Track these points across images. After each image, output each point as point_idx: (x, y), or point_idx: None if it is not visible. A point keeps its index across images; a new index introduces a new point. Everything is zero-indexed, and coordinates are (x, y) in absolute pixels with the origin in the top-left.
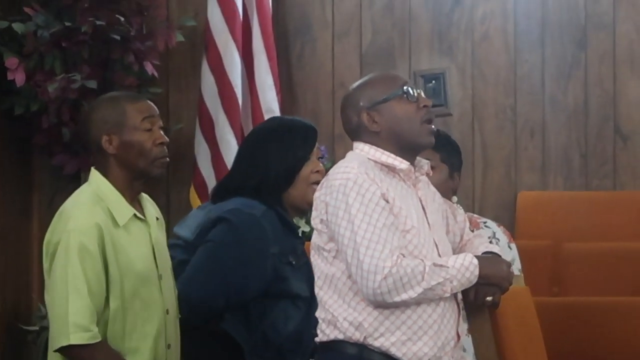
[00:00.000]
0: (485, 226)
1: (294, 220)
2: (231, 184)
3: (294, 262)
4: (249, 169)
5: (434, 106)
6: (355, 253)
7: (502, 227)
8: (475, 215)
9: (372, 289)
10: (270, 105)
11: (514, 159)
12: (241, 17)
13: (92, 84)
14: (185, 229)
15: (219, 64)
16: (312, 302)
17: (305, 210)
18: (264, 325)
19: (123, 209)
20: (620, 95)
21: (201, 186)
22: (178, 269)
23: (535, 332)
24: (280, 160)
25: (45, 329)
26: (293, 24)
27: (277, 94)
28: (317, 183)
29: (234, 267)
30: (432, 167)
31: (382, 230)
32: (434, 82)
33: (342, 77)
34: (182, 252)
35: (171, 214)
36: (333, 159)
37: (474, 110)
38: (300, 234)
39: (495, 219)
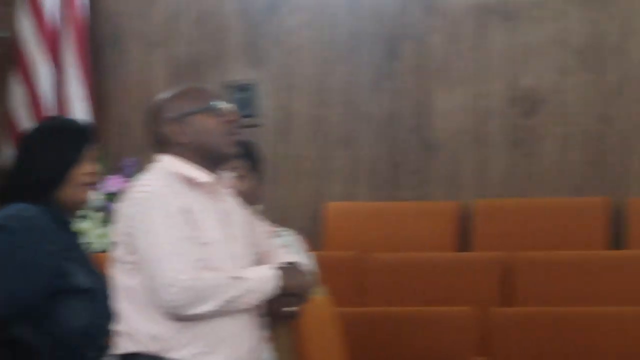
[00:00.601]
0: (282, 236)
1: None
2: (7, 189)
3: (73, 257)
4: (20, 173)
5: (244, 117)
6: (153, 265)
7: (299, 236)
8: (272, 225)
9: (168, 302)
10: (81, 116)
11: (323, 169)
12: (54, 27)
13: None
14: None
15: (28, 75)
16: (95, 294)
17: (78, 209)
18: (52, 325)
19: None
20: (430, 106)
21: None
22: None
23: (337, 342)
24: (47, 163)
25: None
26: (106, 34)
27: (88, 104)
28: (89, 184)
29: (12, 272)
30: (241, 176)
31: (181, 243)
32: (244, 92)
33: (153, 88)
34: None
35: None
36: (142, 171)
37: (284, 121)
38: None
39: (303, 229)
